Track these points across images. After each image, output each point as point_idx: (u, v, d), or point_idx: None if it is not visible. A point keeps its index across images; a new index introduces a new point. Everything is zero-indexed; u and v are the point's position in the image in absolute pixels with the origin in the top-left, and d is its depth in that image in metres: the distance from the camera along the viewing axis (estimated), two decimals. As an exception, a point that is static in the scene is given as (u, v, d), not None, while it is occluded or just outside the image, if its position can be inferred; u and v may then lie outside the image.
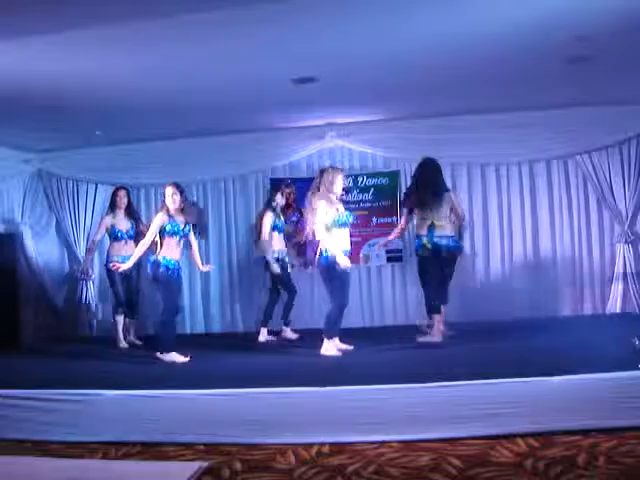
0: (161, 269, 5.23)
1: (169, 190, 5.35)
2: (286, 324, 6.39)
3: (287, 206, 6.43)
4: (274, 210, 6.21)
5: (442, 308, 5.60)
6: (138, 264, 6.48)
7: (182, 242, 5.42)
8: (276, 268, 6.07)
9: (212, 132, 6.86)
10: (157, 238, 5.31)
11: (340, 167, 5.59)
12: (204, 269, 5.89)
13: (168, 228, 5.27)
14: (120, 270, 5.60)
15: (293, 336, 6.30)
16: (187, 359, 5.22)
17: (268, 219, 6.13)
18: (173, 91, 5.26)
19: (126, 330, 6.48)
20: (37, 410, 4.28)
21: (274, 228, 6.17)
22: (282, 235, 6.30)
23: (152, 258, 5.31)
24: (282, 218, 6.28)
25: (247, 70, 4.85)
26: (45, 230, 7.58)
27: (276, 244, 6.19)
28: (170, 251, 5.30)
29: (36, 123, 6.05)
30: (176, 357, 5.21)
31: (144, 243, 5.34)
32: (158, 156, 7.14)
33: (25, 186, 7.42)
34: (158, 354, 5.23)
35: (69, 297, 7.61)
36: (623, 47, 4.58)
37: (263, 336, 6.24)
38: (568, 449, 3.55)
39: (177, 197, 5.34)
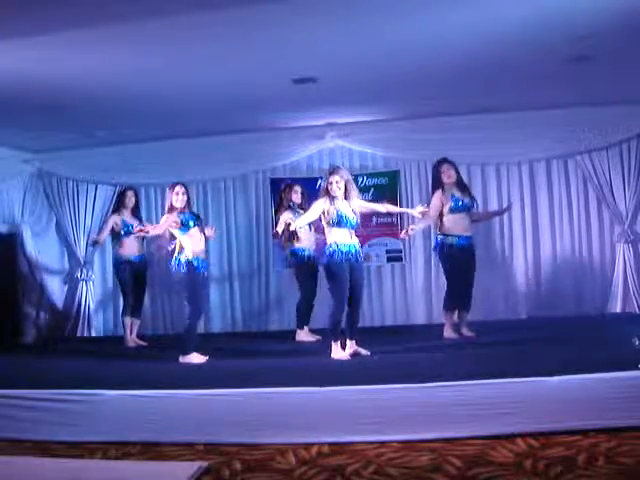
0: (192, 269, 5.16)
1: (178, 188, 5.30)
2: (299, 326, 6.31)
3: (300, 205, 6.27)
4: (292, 209, 6.17)
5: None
6: (147, 263, 6.51)
7: (203, 233, 5.36)
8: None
9: (212, 132, 6.86)
10: (179, 237, 5.24)
11: (334, 167, 5.26)
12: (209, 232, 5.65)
13: (189, 223, 5.21)
14: (144, 234, 5.43)
15: (310, 338, 6.23)
16: (206, 358, 5.23)
17: (284, 217, 6.04)
18: (173, 91, 5.26)
19: (130, 330, 6.50)
20: (37, 410, 4.27)
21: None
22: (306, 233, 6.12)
23: (182, 258, 5.20)
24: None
25: (247, 70, 4.86)
26: (45, 230, 7.58)
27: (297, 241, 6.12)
28: (196, 246, 5.24)
29: (36, 123, 6.05)
30: (196, 358, 5.20)
31: (158, 227, 5.29)
32: (158, 156, 7.14)
33: (25, 186, 7.43)
34: (180, 358, 5.20)
35: (69, 297, 7.61)
36: (623, 47, 4.59)
37: (299, 336, 6.22)
38: (568, 449, 3.54)
39: (184, 197, 5.31)
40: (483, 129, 6.61)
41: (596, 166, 6.72)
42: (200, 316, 5.44)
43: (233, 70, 4.86)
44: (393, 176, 7.27)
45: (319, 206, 4.98)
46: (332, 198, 4.96)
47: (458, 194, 5.74)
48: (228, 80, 5.09)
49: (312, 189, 6.49)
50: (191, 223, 5.26)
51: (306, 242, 6.15)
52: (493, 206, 7.01)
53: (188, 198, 5.39)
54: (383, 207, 5.57)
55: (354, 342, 5.10)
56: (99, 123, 6.30)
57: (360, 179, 7.19)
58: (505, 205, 6.60)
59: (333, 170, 5.07)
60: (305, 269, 6.19)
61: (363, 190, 7.15)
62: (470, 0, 3.83)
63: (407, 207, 7.14)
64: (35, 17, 3.62)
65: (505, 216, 6.99)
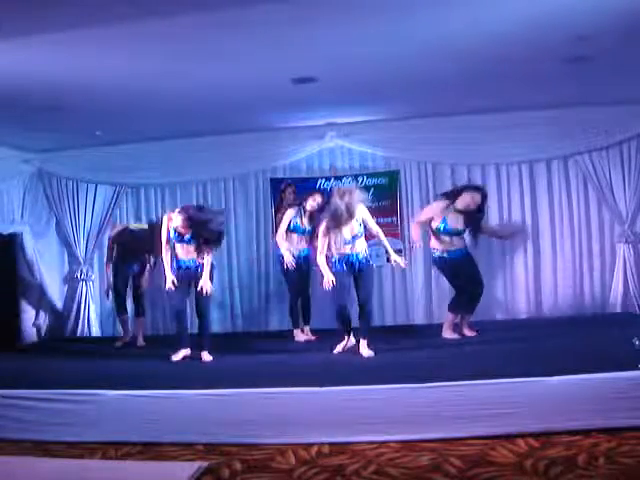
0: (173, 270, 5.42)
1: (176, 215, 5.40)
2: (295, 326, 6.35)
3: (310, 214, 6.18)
4: (292, 208, 6.16)
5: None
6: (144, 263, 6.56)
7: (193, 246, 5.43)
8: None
9: (212, 132, 6.86)
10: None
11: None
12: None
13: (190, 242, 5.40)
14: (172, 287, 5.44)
15: (307, 338, 6.25)
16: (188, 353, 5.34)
17: (286, 217, 6.10)
18: (173, 91, 5.25)
19: (133, 329, 6.51)
20: (37, 410, 4.28)
21: (293, 229, 6.13)
22: (300, 236, 6.17)
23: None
24: (304, 221, 6.12)
25: (247, 70, 4.85)
26: (45, 230, 7.57)
27: (292, 244, 6.16)
28: (187, 254, 5.44)
29: (36, 123, 6.04)
30: (183, 353, 5.34)
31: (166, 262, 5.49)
32: (158, 156, 7.14)
33: (25, 186, 7.41)
34: (172, 357, 5.35)
35: (69, 297, 7.60)
36: (623, 47, 4.58)
37: (297, 337, 6.26)
38: (568, 449, 3.55)
39: (185, 221, 5.33)
40: (483, 129, 6.60)
41: (596, 166, 6.70)
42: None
43: (233, 70, 4.86)
44: (393, 176, 7.27)
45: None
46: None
47: (453, 220, 5.76)
48: (228, 80, 5.08)
49: (312, 189, 6.58)
50: (183, 240, 5.41)
51: (295, 245, 6.17)
52: (493, 206, 6.99)
53: (188, 218, 5.33)
54: (378, 233, 5.47)
55: (365, 341, 5.21)
56: (99, 123, 6.29)
57: (360, 179, 7.19)
58: (514, 228, 6.68)
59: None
60: (291, 271, 6.17)
61: (363, 190, 7.13)
62: (470, 0, 3.83)
63: (407, 207, 7.17)
64: (35, 17, 3.61)
65: (505, 216, 7.01)
